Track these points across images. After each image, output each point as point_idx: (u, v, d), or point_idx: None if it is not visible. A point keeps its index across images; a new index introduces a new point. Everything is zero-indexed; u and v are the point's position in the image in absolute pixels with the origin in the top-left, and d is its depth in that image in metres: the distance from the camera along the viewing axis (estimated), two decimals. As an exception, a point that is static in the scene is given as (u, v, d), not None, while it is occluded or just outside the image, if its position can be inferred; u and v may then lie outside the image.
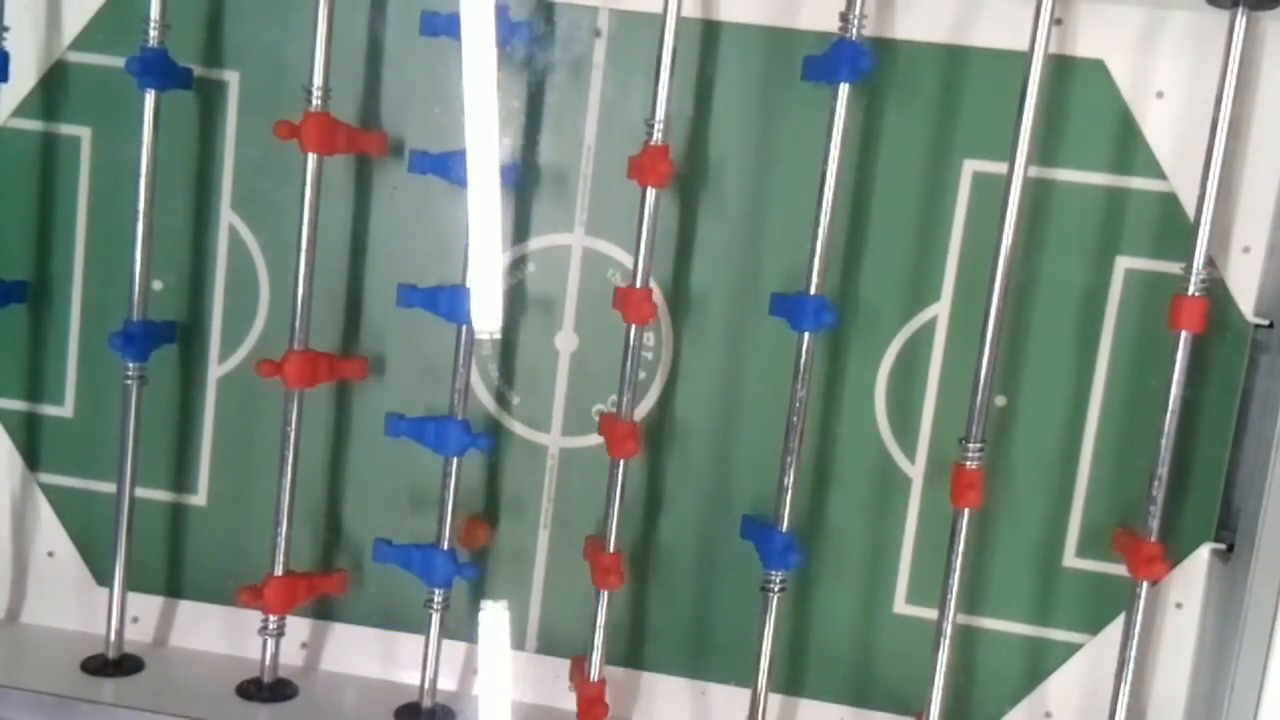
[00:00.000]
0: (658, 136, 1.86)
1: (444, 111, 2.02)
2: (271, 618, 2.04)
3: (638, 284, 1.89)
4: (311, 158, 1.94)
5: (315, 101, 1.93)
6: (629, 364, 1.92)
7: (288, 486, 2.01)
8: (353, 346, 2.11)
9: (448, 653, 2.06)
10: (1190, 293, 1.81)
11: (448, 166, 1.94)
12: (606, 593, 1.95)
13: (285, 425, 2.00)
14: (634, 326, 1.90)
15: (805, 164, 1.90)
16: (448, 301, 1.95)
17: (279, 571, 2.03)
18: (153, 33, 1.98)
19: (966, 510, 1.87)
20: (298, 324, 1.98)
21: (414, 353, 2.09)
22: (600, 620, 1.96)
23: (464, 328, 1.96)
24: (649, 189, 1.87)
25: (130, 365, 2.05)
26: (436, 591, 2.01)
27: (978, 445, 1.85)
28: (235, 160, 2.10)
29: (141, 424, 2.07)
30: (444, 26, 1.91)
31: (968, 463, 1.85)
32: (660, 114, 1.85)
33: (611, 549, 1.95)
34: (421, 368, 2.08)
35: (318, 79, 1.93)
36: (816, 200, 1.86)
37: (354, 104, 2.05)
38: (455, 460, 1.98)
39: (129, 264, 2.03)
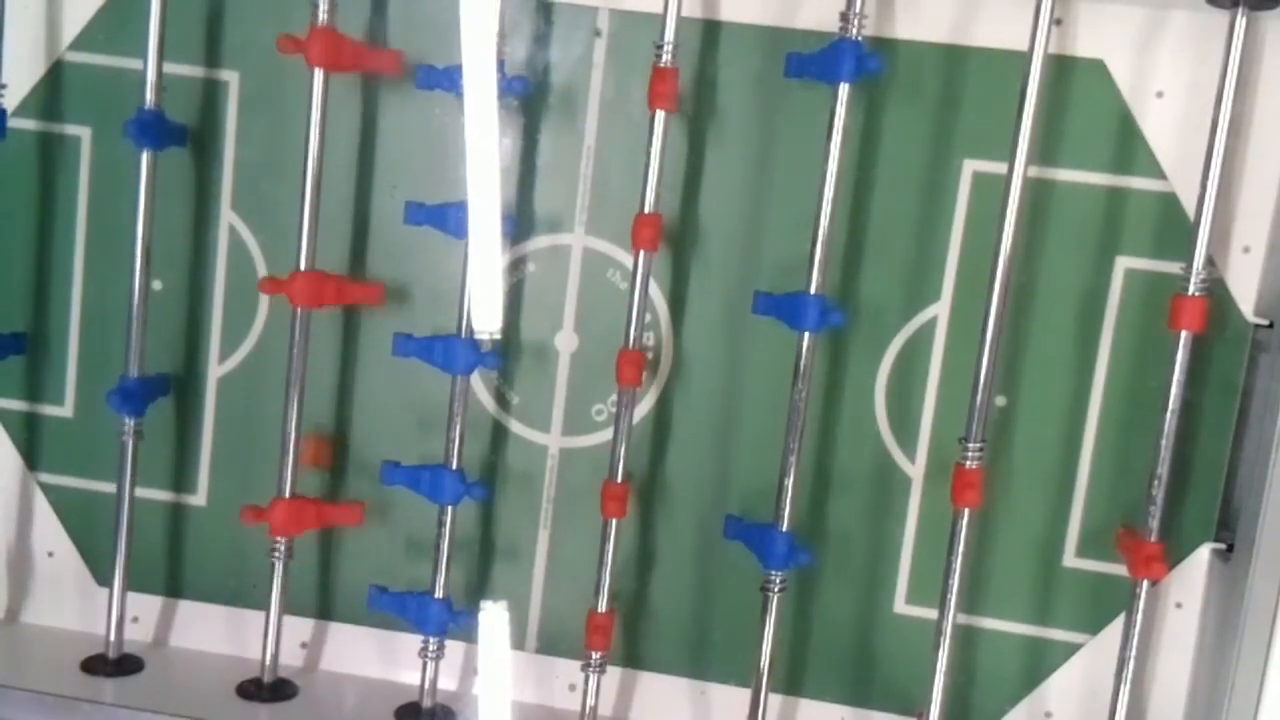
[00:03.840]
0: (667, 59, 1.86)
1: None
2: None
3: (647, 210, 1.90)
4: (318, 75, 1.92)
5: (322, 16, 1.91)
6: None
7: (295, 410, 2.00)
8: (354, 330, 2.11)
9: (448, 653, 2.05)
10: (1190, 293, 1.81)
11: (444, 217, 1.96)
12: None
13: (291, 347, 1.99)
14: (659, 111, 1.88)
15: (805, 164, 1.90)
16: (443, 351, 1.96)
17: (286, 494, 2.01)
18: (149, 95, 1.99)
19: (966, 510, 1.87)
20: (304, 247, 1.96)
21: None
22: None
23: (458, 379, 1.97)
24: (659, 113, 1.88)
25: (127, 420, 2.05)
26: (431, 640, 2.02)
27: (978, 445, 1.85)
28: (235, 160, 2.10)
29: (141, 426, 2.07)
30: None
31: (968, 463, 1.85)
32: (669, 35, 1.86)
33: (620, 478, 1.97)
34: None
35: None
36: (816, 200, 1.86)
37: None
38: (450, 510, 1.99)
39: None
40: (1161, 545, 1.85)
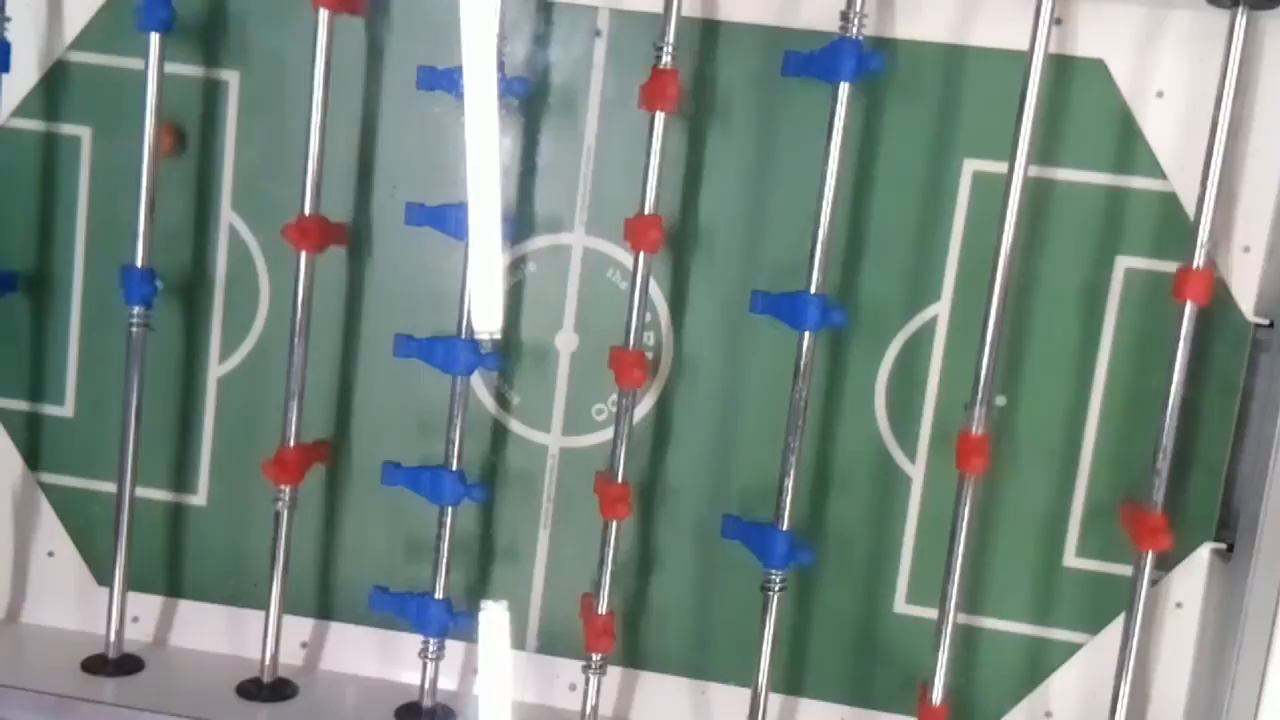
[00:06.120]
0: (667, 60, 1.86)
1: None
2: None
3: (647, 210, 1.89)
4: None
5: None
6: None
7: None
8: (354, 330, 2.12)
9: (448, 653, 2.05)
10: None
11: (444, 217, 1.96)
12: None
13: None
14: (659, 113, 1.88)
15: (805, 164, 1.90)
16: (443, 352, 1.97)
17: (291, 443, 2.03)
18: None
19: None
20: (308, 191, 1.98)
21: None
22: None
23: (458, 379, 1.97)
24: (659, 114, 1.88)
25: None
26: (431, 641, 2.02)
27: (982, 410, 1.83)
28: (235, 160, 2.10)
29: (141, 423, 2.07)
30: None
31: (973, 428, 1.84)
32: (670, 35, 1.85)
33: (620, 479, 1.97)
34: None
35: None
36: (816, 200, 1.86)
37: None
38: (450, 511, 1.99)
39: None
40: (1166, 517, 1.83)
